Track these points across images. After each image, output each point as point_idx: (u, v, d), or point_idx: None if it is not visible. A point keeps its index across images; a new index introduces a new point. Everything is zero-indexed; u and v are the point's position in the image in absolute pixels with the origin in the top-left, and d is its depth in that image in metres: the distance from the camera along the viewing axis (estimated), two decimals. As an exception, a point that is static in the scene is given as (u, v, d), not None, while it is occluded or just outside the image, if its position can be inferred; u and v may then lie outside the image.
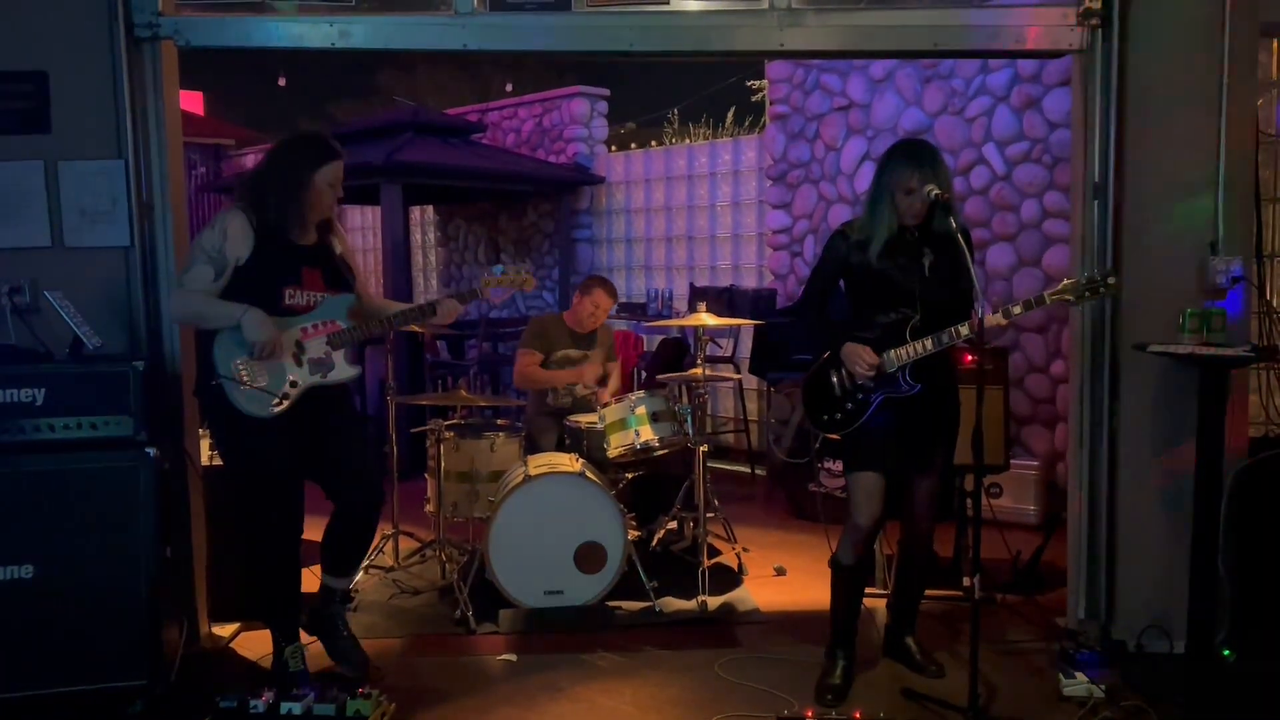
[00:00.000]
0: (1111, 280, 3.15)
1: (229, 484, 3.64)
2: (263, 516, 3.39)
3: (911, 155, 3.24)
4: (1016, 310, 3.20)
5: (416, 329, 5.24)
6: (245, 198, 3.40)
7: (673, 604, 4.28)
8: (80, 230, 3.57)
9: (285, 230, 3.38)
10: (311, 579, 3.63)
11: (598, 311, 5.14)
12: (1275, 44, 4.22)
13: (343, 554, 3.66)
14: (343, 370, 3.48)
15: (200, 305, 3.29)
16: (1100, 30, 3.67)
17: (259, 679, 3.41)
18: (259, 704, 3.07)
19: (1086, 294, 3.16)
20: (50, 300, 3.34)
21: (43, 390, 3.18)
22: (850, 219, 3.48)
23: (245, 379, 3.28)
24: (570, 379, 5.10)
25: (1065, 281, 3.20)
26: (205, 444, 4.07)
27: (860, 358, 3.28)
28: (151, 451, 3.23)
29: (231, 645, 3.85)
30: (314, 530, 3.58)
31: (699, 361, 4.60)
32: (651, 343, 8.08)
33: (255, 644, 3.76)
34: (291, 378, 3.36)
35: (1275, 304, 3.96)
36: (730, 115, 10.92)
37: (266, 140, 14.32)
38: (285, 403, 3.34)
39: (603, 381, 5.23)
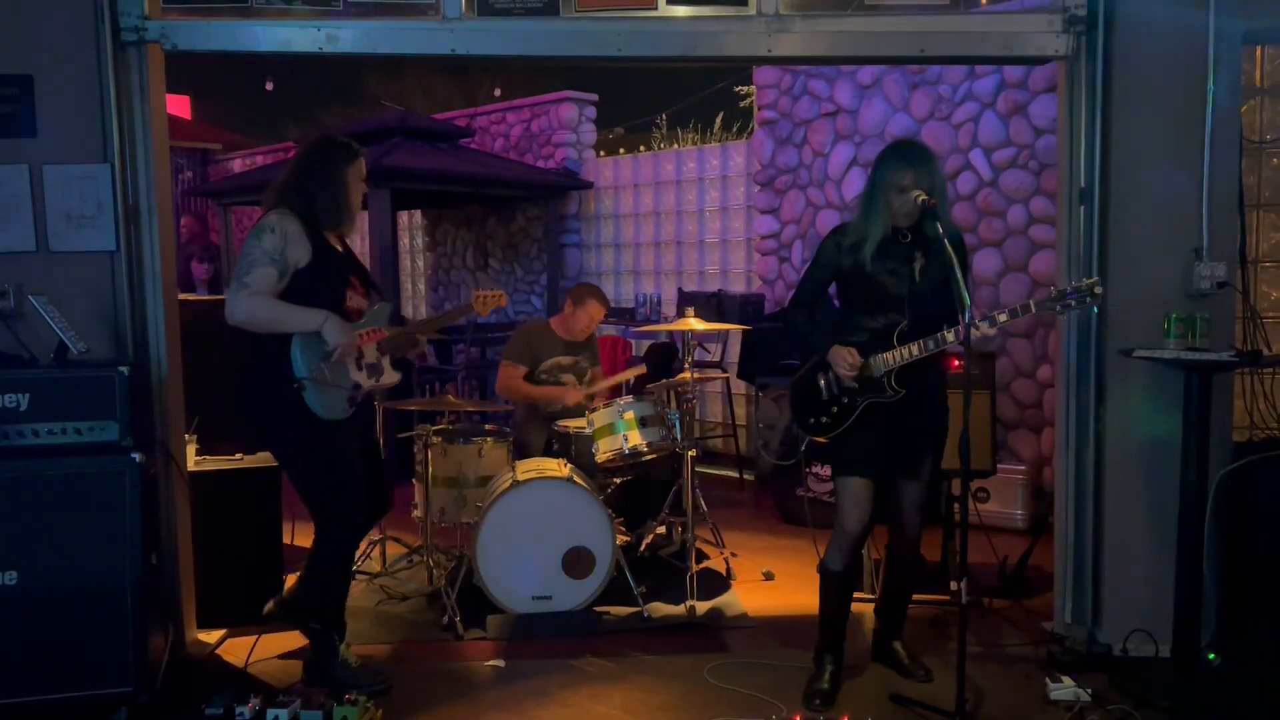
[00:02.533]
0: (1098, 288, 3.16)
1: (304, 485, 3.40)
2: (346, 516, 3.42)
3: (905, 154, 3.26)
4: (1003, 318, 3.20)
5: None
6: (289, 200, 3.35)
7: (661, 609, 4.28)
8: (66, 235, 3.55)
9: (331, 231, 3.41)
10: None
11: (592, 325, 5.16)
12: (1259, 51, 4.25)
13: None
14: (389, 375, 3.54)
15: (278, 311, 3.25)
16: (1085, 37, 3.70)
17: (245, 685, 3.39)
18: (245, 710, 3.07)
19: (1073, 302, 3.17)
20: (35, 305, 3.31)
21: (27, 395, 3.16)
22: (843, 223, 3.49)
23: (328, 378, 3.27)
24: (554, 396, 5.07)
25: (1052, 289, 3.21)
26: (191, 449, 4.05)
27: (844, 359, 3.29)
28: (137, 457, 3.20)
29: (218, 652, 3.83)
30: (300, 535, 3.57)
31: (687, 366, 4.61)
32: (640, 347, 8.07)
33: (241, 651, 3.74)
34: (355, 379, 3.40)
35: (1259, 309, 3.99)
36: (718, 120, 10.93)
37: (254, 145, 14.29)
38: (353, 406, 3.40)
39: (590, 398, 5.18)
